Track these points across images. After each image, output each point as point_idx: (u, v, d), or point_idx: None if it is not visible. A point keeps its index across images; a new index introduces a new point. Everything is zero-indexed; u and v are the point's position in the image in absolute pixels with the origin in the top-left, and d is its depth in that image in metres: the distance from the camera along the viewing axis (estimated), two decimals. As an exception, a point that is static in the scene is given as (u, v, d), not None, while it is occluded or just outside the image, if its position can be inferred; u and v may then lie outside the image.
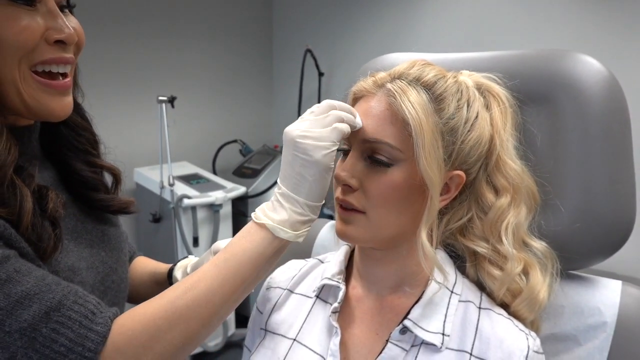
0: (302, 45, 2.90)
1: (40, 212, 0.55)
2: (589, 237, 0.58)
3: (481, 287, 0.59)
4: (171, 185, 2.23)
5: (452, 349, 0.53)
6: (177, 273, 0.77)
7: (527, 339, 0.52)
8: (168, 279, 0.78)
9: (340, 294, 0.60)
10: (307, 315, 0.62)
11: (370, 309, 0.60)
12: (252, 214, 0.55)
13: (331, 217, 1.06)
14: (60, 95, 0.57)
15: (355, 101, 0.58)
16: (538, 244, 0.57)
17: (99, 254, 0.65)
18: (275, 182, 2.68)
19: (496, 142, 0.56)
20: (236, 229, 2.61)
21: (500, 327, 0.53)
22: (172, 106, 2.32)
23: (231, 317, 2.54)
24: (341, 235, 0.56)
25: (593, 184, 0.58)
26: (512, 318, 0.55)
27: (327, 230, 0.84)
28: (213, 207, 2.36)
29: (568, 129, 0.59)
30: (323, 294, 0.63)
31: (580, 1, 2.11)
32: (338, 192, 0.55)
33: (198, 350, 2.42)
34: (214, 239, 2.37)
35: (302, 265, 0.69)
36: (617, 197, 0.58)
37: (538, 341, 0.53)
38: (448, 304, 0.56)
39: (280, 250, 0.54)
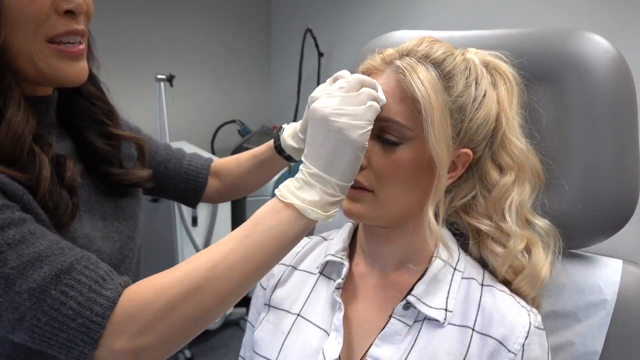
0: (301, 25, 2.87)
1: (57, 181, 0.56)
2: (592, 216, 0.59)
3: (484, 264, 0.59)
4: (170, 164, 2.22)
5: (454, 325, 0.54)
6: (292, 142, 0.75)
7: (529, 315, 0.53)
8: (279, 153, 0.78)
9: (344, 270, 0.60)
10: (311, 291, 0.63)
11: (373, 285, 0.60)
12: (277, 191, 0.52)
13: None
14: (75, 60, 0.57)
15: None
16: (541, 222, 0.57)
17: (112, 225, 0.66)
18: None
19: (502, 121, 0.56)
20: (235, 207, 2.61)
21: (503, 304, 0.54)
22: (171, 85, 2.30)
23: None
24: (348, 213, 0.56)
25: (597, 163, 0.58)
26: (514, 295, 0.56)
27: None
28: (212, 187, 2.35)
29: (574, 108, 0.59)
30: (326, 270, 0.64)
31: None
32: None
33: (197, 328, 2.44)
34: (213, 218, 2.38)
35: (306, 242, 0.69)
36: (621, 176, 0.58)
37: (539, 317, 0.54)
38: (451, 281, 0.56)
39: (306, 230, 0.51)
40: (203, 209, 2.33)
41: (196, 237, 2.33)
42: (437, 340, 0.53)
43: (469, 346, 0.52)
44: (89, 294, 0.48)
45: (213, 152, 2.80)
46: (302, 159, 0.52)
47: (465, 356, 0.51)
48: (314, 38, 2.82)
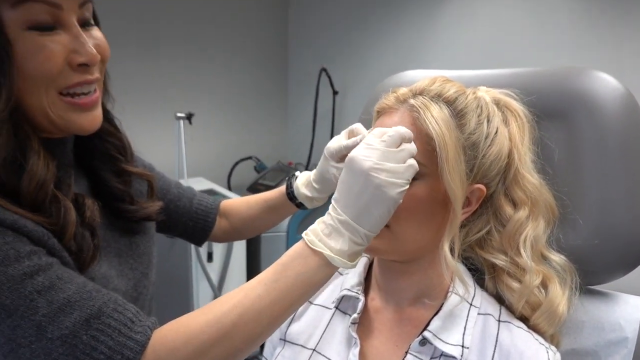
0: (316, 64, 2.95)
1: (79, 222, 0.56)
2: (608, 252, 0.59)
3: (500, 300, 0.59)
4: (187, 200, 2.25)
5: (471, 361, 0.53)
6: (305, 190, 0.79)
7: (547, 352, 0.52)
8: (290, 199, 0.81)
9: (360, 305, 0.60)
10: (327, 326, 0.63)
11: (389, 320, 0.60)
12: (305, 236, 0.51)
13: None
14: (89, 111, 0.58)
15: (378, 116, 0.60)
16: (557, 257, 0.57)
17: (127, 262, 0.67)
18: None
19: (514, 157, 0.57)
20: (250, 244, 2.62)
21: (520, 340, 0.54)
22: (190, 123, 2.37)
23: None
24: (367, 250, 0.57)
25: (611, 199, 0.59)
26: (531, 331, 0.55)
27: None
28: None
29: (585, 145, 0.60)
30: (342, 305, 0.64)
31: (597, 19, 2.13)
32: None
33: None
34: (229, 254, 2.39)
35: None
36: (635, 212, 0.58)
37: (558, 355, 0.53)
38: (467, 317, 0.56)
39: (331, 276, 0.52)
40: (219, 245, 2.35)
41: (211, 272, 2.33)
42: None
43: None
44: (119, 338, 0.49)
45: (229, 188, 2.84)
46: (333, 203, 0.51)
47: None
48: (329, 77, 2.89)
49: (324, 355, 0.60)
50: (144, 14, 2.52)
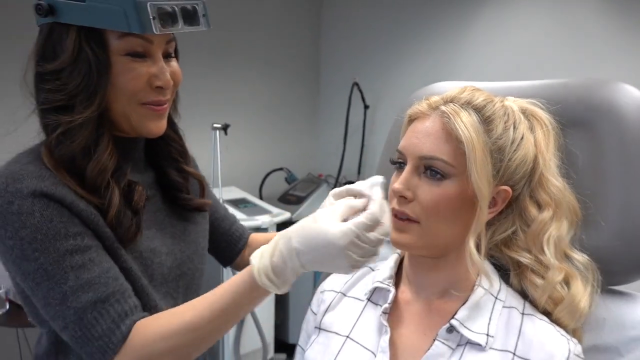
0: (347, 78, 3.02)
1: (125, 203, 0.69)
2: (629, 253, 0.62)
3: (524, 295, 0.63)
4: (221, 208, 2.33)
5: (496, 349, 0.57)
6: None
7: (569, 343, 0.56)
8: None
9: (390, 296, 0.65)
10: (359, 316, 0.67)
11: (418, 312, 0.64)
12: (257, 277, 0.59)
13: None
14: (158, 118, 0.72)
15: (410, 122, 0.65)
16: (579, 256, 0.60)
17: (178, 244, 0.79)
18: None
19: (539, 161, 0.61)
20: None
21: (543, 331, 0.57)
22: (226, 133, 2.46)
23: (270, 342, 2.58)
24: (396, 243, 0.61)
25: (632, 204, 0.62)
26: (554, 324, 0.59)
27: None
28: (259, 231, 2.45)
29: (609, 152, 0.64)
30: (374, 297, 0.68)
31: (621, 33, 2.15)
32: (394, 204, 0.61)
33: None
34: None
35: (355, 272, 0.74)
36: (656, 216, 0.61)
37: (579, 347, 0.57)
38: (492, 309, 0.60)
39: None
40: (249, 252, 2.42)
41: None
42: None
43: None
44: (111, 325, 0.63)
45: (261, 198, 2.92)
46: (298, 251, 0.57)
47: None
48: (360, 91, 2.95)
49: (356, 342, 0.65)
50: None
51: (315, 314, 0.73)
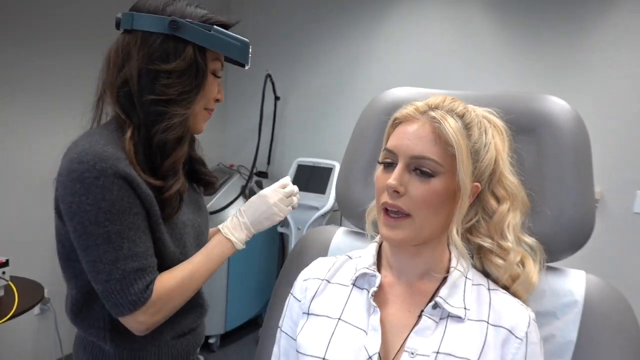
0: (259, 70, 3.04)
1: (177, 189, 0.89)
2: (562, 236, 0.77)
3: (486, 274, 0.75)
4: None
5: (472, 320, 0.68)
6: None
7: (527, 310, 0.69)
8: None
9: (378, 280, 0.73)
10: (347, 300, 0.74)
11: (401, 293, 0.73)
12: (221, 229, 0.97)
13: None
14: (206, 120, 0.96)
15: (396, 124, 0.73)
16: (530, 240, 0.74)
17: (196, 219, 0.99)
18: (234, 200, 2.72)
19: (499, 162, 0.73)
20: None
21: (508, 302, 0.69)
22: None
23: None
24: (389, 239, 0.69)
25: (566, 197, 0.77)
26: (513, 297, 0.71)
27: (340, 236, 0.97)
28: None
29: (547, 154, 0.78)
30: (358, 282, 0.76)
31: (512, 47, 2.47)
32: (385, 198, 0.68)
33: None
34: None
35: (334, 261, 0.81)
36: (582, 207, 0.77)
37: (533, 314, 0.70)
38: (465, 287, 0.71)
39: (231, 251, 0.96)
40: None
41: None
42: (461, 332, 0.67)
43: (486, 335, 0.66)
44: (143, 287, 0.83)
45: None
46: (241, 211, 0.99)
47: (484, 344, 0.66)
48: (272, 83, 2.99)
49: (348, 323, 0.72)
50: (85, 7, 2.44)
51: (300, 301, 0.78)
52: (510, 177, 0.73)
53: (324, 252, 0.95)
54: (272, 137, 3.16)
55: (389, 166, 0.71)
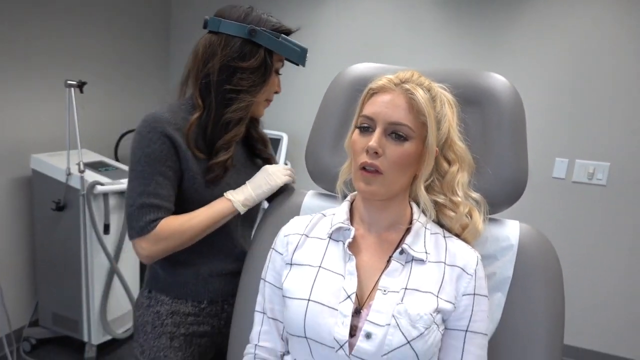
0: (201, 35, 3.01)
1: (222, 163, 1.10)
2: (501, 192, 0.91)
3: (440, 225, 0.88)
4: (81, 172, 2.21)
5: (432, 262, 0.81)
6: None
7: (475, 252, 0.83)
8: None
9: (352, 232, 0.84)
10: (325, 251, 0.85)
11: (371, 242, 0.85)
12: (226, 193, 1.09)
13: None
14: (265, 107, 1.16)
15: (371, 94, 0.83)
16: (475, 195, 0.88)
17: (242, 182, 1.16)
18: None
19: (450, 130, 0.85)
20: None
21: (460, 247, 0.83)
22: (81, 91, 2.29)
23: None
24: (365, 192, 0.80)
25: (504, 159, 0.91)
26: (463, 242, 0.86)
27: (309, 198, 1.07)
28: (124, 194, 2.37)
29: (489, 123, 0.92)
30: (334, 235, 0.87)
31: (449, 26, 2.63)
32: (364, 158, 0.79)
33: (108, 337, 2.41)
34: (124, 227, 2.39)
35: (310, 219, 0.92)
36: (517, 167, 0.91)
37: (480, 255, 0.84)
38: (424, 235, 0.84)
39: (231, 211, 1.08)
40: (114, 217, 2.34)
41: (108, 244, 2.32)
42: (423, 273, 0.80)
43: (444, 273, 0.80)
44: (155, 219, 1.02)
45: (117, 159, 2.78)
46: (248, 182, 1.12)
47: (442, 280, 0.79)
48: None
49: (327, 269, 0.83)
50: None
51: (282, 254, 0.88)
52: (459, 143, 0.86)
53: (296, 213, 1.05)
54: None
55: (365, 130, 0.81)
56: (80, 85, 2.26)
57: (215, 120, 1.08)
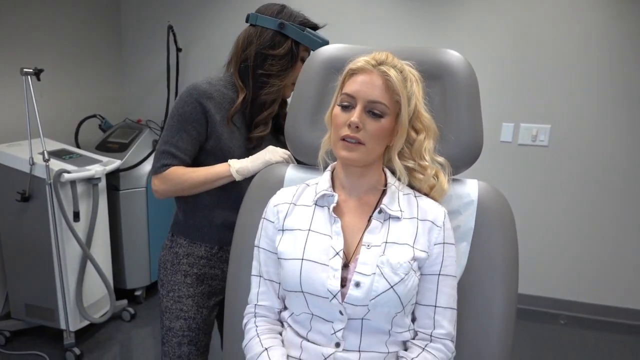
0: (151, 22, 2.98)
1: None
2: (461, 155, 1.04)
3: (411, 187, 1.00)
4: (46, 161, 2.19)
5: (407, 218, 0.93)
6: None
7: (442, 208, 0.96)
8: None
9: (335, 198, 0.95)
10: (312, 216, 0.96)
11: (353, 205, 0.96)
12: (229, 161, 1.28)
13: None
14: (291, 90, 1.29)
15: (352, 74, 0.92)
16: (440, 159, 0.99)
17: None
18: (148, 155, 2.75)
19: (418, 104, 0.96)
20: (110, 201, 2.64)
21: (429, 204, 0.96)
22: (38, 79, 2.25)
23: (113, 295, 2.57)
24: (347, 159, 0.90)
25: (461, 125, 1.04)
26: (432, 200, 0.98)
27: (291, 170, 1.16)
28: (92, 181, 2.38)
29: (449, 95, 1.04)
30: (319, 201, 0.97)
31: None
32: (346, 131, 0.89)
33: (85, 323, 2.44)
34: (94, 213, 2.40)
35: (295, 189, 1.01)
36: (474, 133, 1.04)
37: (446, 210, 0.97)
38: (398, 196, 0.96)
39: (227, 175, 1.27)
40: (83, 204, 2.34)
41: (78, 231, 2.33)
42: (400, 228, 0.92)
43: (417, 227, 0.92)
44: (169, 164, 1.28)
45: (78, 146, 2.75)
46: (250, 157, 1.28)
47: (416, 233, 0.92)
48: (174, 34, 2.96)
49: (316, 232, 0.93)
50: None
51: (273, 222, 0.98)
52: (425, 114, 0.97)
53: (280, 184, 1.14)
54: (177, 90, 3.16)
55: (346, 107, 0.91)
56: (37, 73, 2.23)
57: (252, 100, 1.32)
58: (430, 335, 0.92)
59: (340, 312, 0.88)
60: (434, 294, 0.92)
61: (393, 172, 1.01)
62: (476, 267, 1.03)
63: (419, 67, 0.99)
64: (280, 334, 0.98)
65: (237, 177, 1.26)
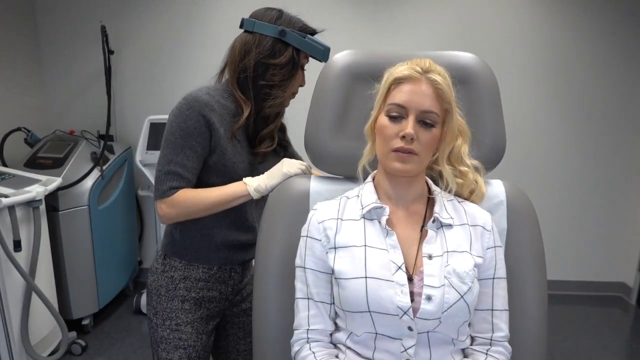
0: (75, 23, 2.73)
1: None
2: (487, 157, 1.06)
3: (449, 192, 1.00)
4: (-23, 185, 1.91)
5: (457, 225, 0.93)
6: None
7: (487, 212, 0.97)
8: None
9: (387, 210, 0.92)
10: (364, 230, 0.92)
11: (402, 216, 0.94)
12: (245, 179, 1.21)
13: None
14: (290, 99, 1.30)
15: (398, 82, 0.89)
16: (476, 162, 1.01)
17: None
18: (90, 170, 2.54)
19: (454, 108, 0.97)
20: (51, 224, 2.37)
21: (475, 208, 0.96)
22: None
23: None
24: (402, 171, 0.88)
25: (487, 127, 1.06)
26: (474, 204, 0.99)
27: (314, 182, 1.11)
28: (32, 204, 2.12)
29: (475, 98, 1.05)
30: (367, 215, 0.93)
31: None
32: (399, 143, 0.86)
33: None
34: (37, 239, 2.14)
35: (337, 203, 0.97)
36: (498, 134, 1.07)
37: (490, 214, 0.99)
38: (444, 203, 0.95)
39: (245, 195, 1.20)
40: (24, 232, 2.08)
41: (20, 261, 2.07)
42: (455, 236, 0.92)
43: (470, 233, 0.92)
44: (176, 186, 1.18)
45: (4, 164, 2.43)
46: (266, 172, 1.21)
47: (471, 239, 0.92)
48: (106, 36, 2.72)
49: (372, 247, 0.90)
50: None
51: (320, 240, 0.93)
52: (460, 119, 0.98)
53: (305, 198, 1.09)
54: (110, 95, 2.91)
55: (395, 118, 0.88)
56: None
57: (256, 114, 1.24)
58: (490, 339, 0.93)
59: (410, 328, 0.86)
60: (490, 298, 0.93)
61: (432, 179, 1.00)
62: (509, 266, 1.06)
63: (451, 71, 0.99)
64: (337, 356, 0.94)
65: (256, 196, 1.19)
